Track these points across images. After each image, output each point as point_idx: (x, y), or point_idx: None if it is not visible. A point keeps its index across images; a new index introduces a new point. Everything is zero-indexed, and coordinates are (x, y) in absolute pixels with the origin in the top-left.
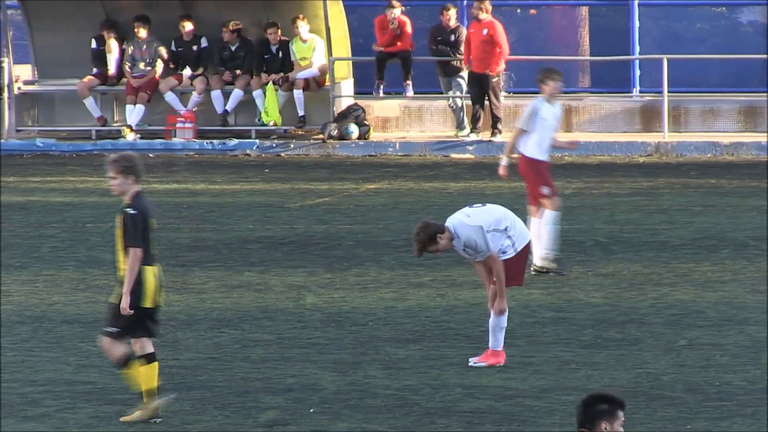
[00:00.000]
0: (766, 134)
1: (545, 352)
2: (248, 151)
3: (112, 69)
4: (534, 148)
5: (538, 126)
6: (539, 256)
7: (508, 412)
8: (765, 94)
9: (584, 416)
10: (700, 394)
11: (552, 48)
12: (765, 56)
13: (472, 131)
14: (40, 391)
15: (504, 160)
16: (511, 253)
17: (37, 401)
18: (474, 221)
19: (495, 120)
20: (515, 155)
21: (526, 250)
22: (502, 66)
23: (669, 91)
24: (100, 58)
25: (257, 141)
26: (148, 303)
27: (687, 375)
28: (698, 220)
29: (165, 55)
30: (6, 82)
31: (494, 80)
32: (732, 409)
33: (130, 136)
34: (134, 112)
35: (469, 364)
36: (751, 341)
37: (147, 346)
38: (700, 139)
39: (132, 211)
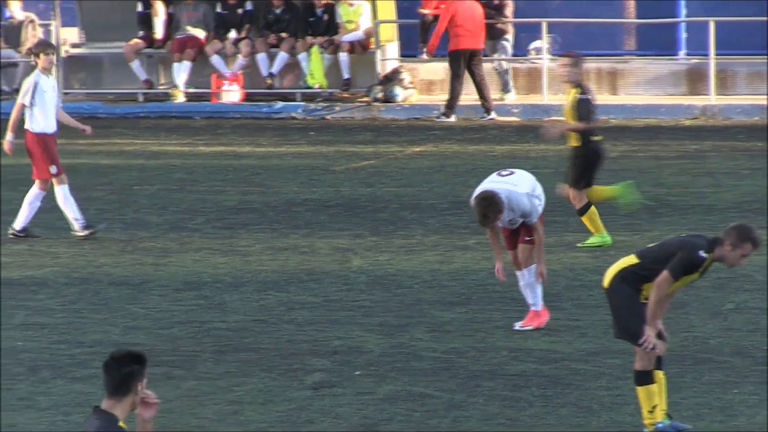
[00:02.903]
0: None
1: (591, 316)
2: (293, 114)
3: (158, 32)
4: (39, 122)
5: (39, 99)
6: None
7: (553, 375)
8: None
9: (119, 381)
10: (748, 358)
11: (597, 10)
12: None
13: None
14: (88, 352)
15: (9, 136)
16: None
17: (85, 362)
18: (522, 189)
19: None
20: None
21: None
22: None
23: (715, 54)
24: (146, 21)
25: (303, 103)
26: None
27: (734, 339)
28: (745, 183)
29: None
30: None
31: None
32: None
33: (180, 98)
34: (181, 69)
35: (515, 328)
36: None
37: None
38: (746, 102)
39: None
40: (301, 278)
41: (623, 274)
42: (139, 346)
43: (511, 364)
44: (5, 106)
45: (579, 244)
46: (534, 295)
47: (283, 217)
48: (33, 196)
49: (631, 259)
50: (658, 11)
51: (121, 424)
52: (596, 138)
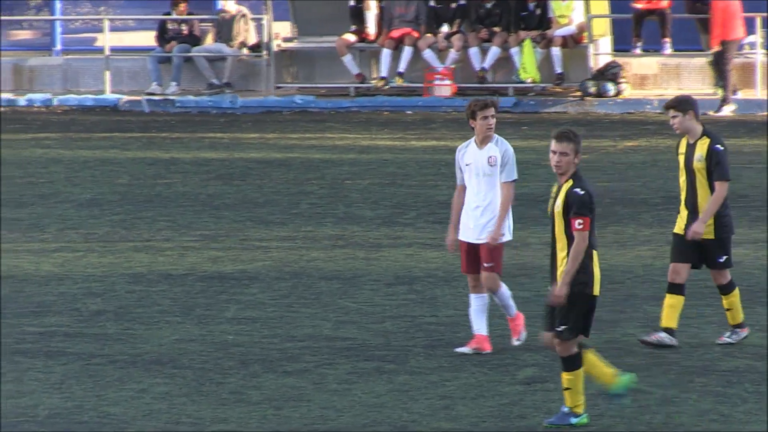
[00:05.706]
0: None
1: None
2: (506, 108)
3: (370, 26)
4: None
5: None
6: None
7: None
8: None
9: None
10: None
11: None
12: None
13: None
14: (299, 346)
15: None
16: (507, 237)
17: (296, 357)
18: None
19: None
20: None
21: None
22: (732, 36)
23: None
24: (358, 15)
25: (515, 98)
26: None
27: None
28: None
29: None
30: (266, 39)
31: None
32: None
33: (396, 83)
34: (403, 56)
35: (456, 350)
36: None
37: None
38: None
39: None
40: (513, 273)
41: None
42: (350, 340)
43: (724, 359)
44: (217, 100)
45: None
46: (480, 321)
47: None
48: None
49: None
50: None
51: None
52: None
